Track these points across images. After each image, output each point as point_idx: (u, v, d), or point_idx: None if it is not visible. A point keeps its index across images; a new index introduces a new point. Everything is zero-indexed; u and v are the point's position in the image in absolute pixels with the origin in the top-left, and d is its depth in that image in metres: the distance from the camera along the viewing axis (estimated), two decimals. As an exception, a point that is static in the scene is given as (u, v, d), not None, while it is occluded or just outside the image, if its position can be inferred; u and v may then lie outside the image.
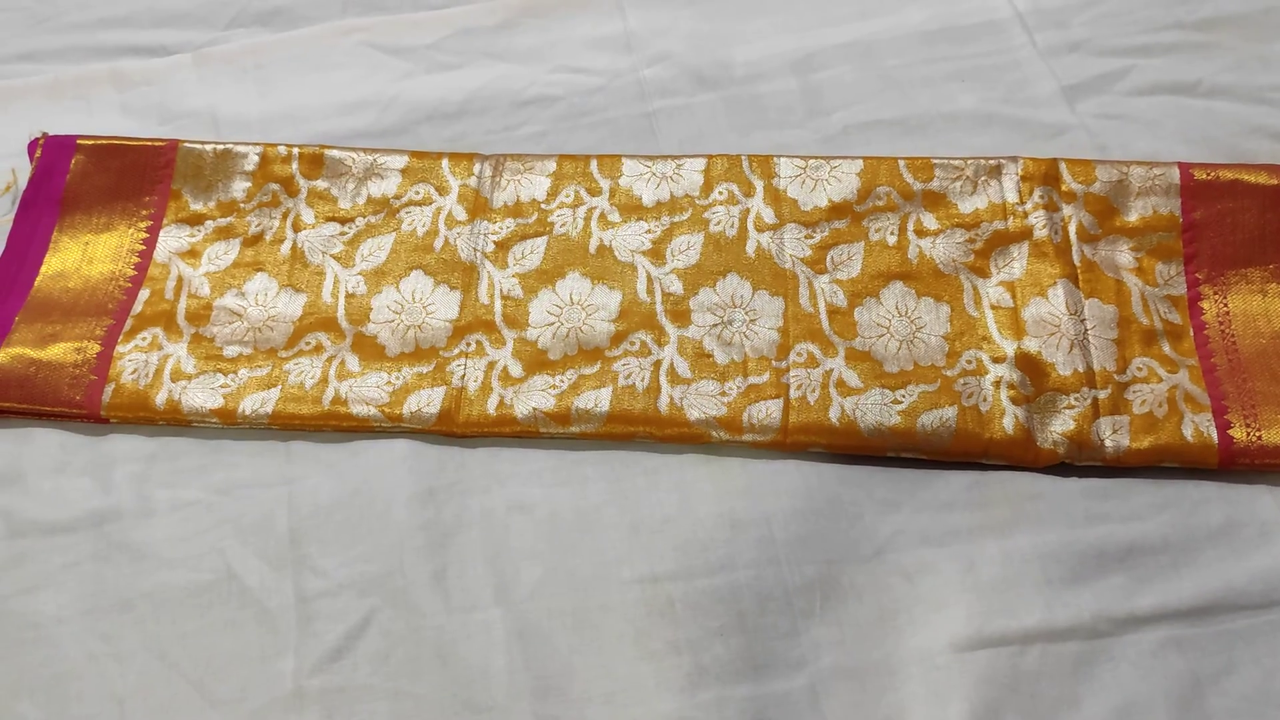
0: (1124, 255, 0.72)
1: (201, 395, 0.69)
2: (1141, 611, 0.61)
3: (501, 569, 0.64)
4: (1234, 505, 0.64)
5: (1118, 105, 0.79)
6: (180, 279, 0.75)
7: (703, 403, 0.68)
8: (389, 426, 0.69)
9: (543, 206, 0.77)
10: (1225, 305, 0.70)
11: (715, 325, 0.71)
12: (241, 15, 0.88)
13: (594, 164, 0.78)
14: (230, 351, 0.72)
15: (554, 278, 0.74)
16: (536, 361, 0.71)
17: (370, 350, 0.72)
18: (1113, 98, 0.79)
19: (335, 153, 0.78)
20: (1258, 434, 0.65)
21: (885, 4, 0.86)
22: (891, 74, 0.82)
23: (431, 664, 0.61)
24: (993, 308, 0.71)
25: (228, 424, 0.69)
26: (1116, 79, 0.80)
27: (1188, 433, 0.65)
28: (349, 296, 0.74)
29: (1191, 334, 0.69)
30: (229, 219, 0.77)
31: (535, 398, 0.69)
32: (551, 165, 0.78)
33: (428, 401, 0.69)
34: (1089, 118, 0.79)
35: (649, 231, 0.75)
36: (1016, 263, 0.72)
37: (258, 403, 0.69)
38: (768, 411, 0.68)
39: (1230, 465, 0.64)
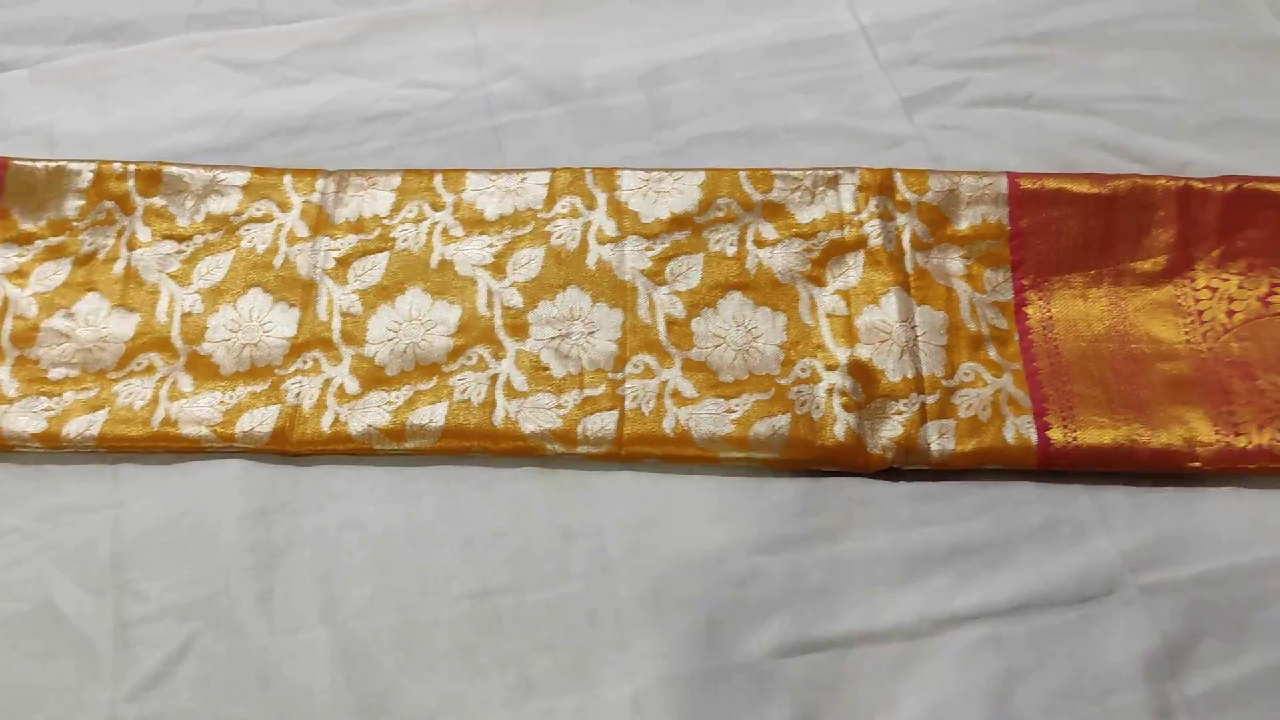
0: (954, 263, 0.75)
1: (23, 419, 0.69)
2: (961, 611, 0.63)
3: (330, 588, 0.64)
4: (1053, 505, 0.67)
5: (954, 117, 0.82)
6: (5, 300, 0.74)
7: (538, 416, 0.69)
8: (221, 446, 0.69)
9: (385, 222, 0.77)
10: (1049, 310, 0.73)
11: (553, 338, 0.73)
12: (82, 30, 0.88)
13: (438, 179, 0.79)
14: (56, 374, 0.71)
15: (394, 294, 0.75)
16: (373, 378, 0.71)
17: (204, 370, 0.72)
18: (950, 109, 0.83)
19: (174, 169, 0.79)
20: (1074, 435, 0.68)
21: (735, 18, 0.88)
22: (739, 86, 0.85)
23: (253, 687, 0.61)
24: (828, 316, 0.73)
25: (51, 448, 0.69)
26: (954, 91, 0.83)
27: (1009, 435, 0.68)
28: (185, 316, 0.74)
29: (1016, 339, 0.72)
30: (60, 238, 0.77)
31: (371, 414, 0.70)
32: (396, 180, 0.79)
33: (261, 420, 0.69)
34: (926, 129, 0.82)
35: (491, 245, 0.76)
36: (852, 271, 0.74)
37: (84, 425, 0.69)
38: (603, 423, 0.69)
39: (1049, 466, 0.67)
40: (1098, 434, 0.68)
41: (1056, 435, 0.68)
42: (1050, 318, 0.73)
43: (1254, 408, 0.68)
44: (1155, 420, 0.68)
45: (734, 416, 0.69)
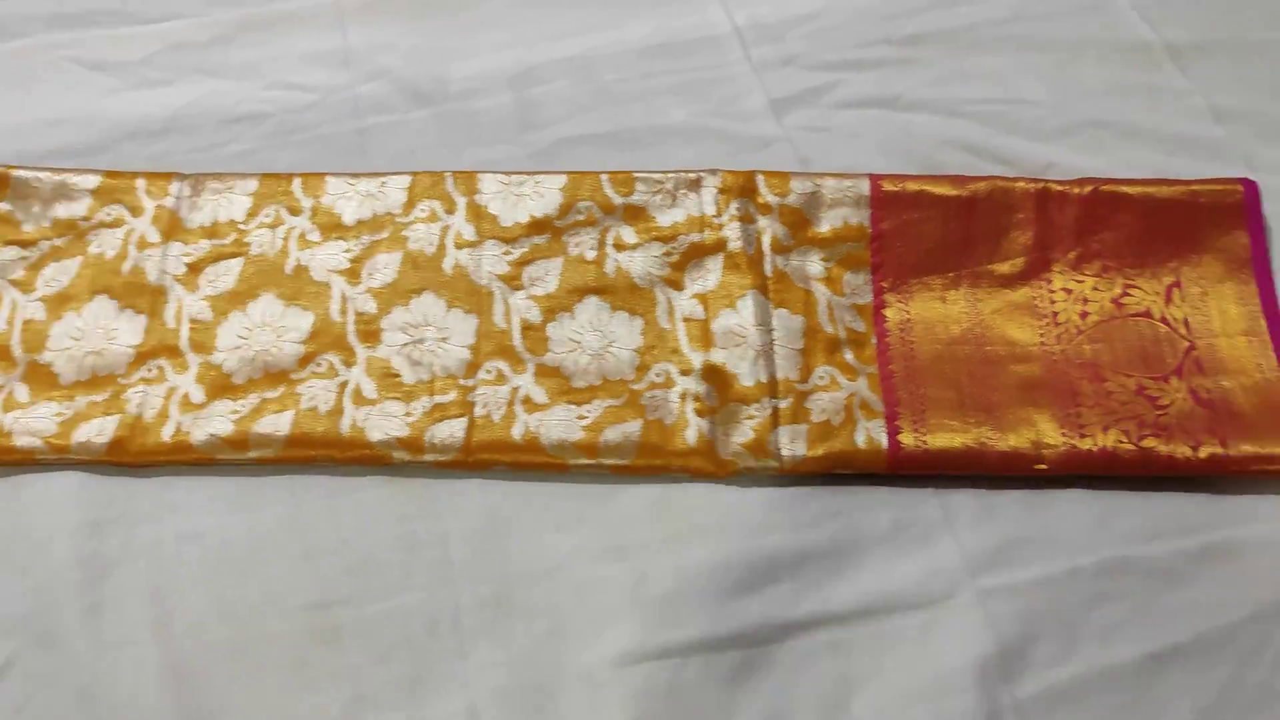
0: (814, 266, 0.75)
1: None
2: (803, 617, 0.63)
3: (164, 602, 0.63)
4: (902, 509, 0.67)
5: (823, 118, 0.82)
6: None
7: (385, 424, 0.69)
8: (55, 459, 0.67)
9: (240, 227, 0.76)
10: (908, 313, 0.73)
11: (406, 344, 0.72)
12: (-63, 31, 0.86)
13: (297, 183, 0.78)
14: (-114, 385, 0.69)
15: (246, 300, 0.74)
16: (220, 386, 0.70)
17: (43, 380, 0.70)
18: (819, 111, 0.83)
19: (21, 173, 0.77)
20: (924, 439, 0.68)
21: (608, 19, 0.88)
22: (609, 88, 0.84)
23: (75, 706, 0.60)
24: (685, 320, 0.73)
25: (-123, 461, 0.67)
26: (824, 93, 0.83)
27: (860, 439, 0.68)
28: (26, 324, 0.72)
29: (874, 341, 0.72)
30: (-99, 244, 0.75)
31: (215, 424, 0.68)
32: (253, 184, 0.78)
33: (99, 431, 0.68)
34: (795, 130, 0.82)
35: (348, 251, 0.75)
36: (710, 275, 0.74)
37: (-86, 438, 0.67)
38: (451, 431, 0.68)
39: (899, 470, 0.67)
40: (948, 437, 0.68)
41: (907, 439, 0.68)
42: (908, 320, 0.73)
43: (1100, 410, 0.68)
44: (1005, 423, 0.68)
45: (585, 423, 0.69)
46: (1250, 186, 0.75)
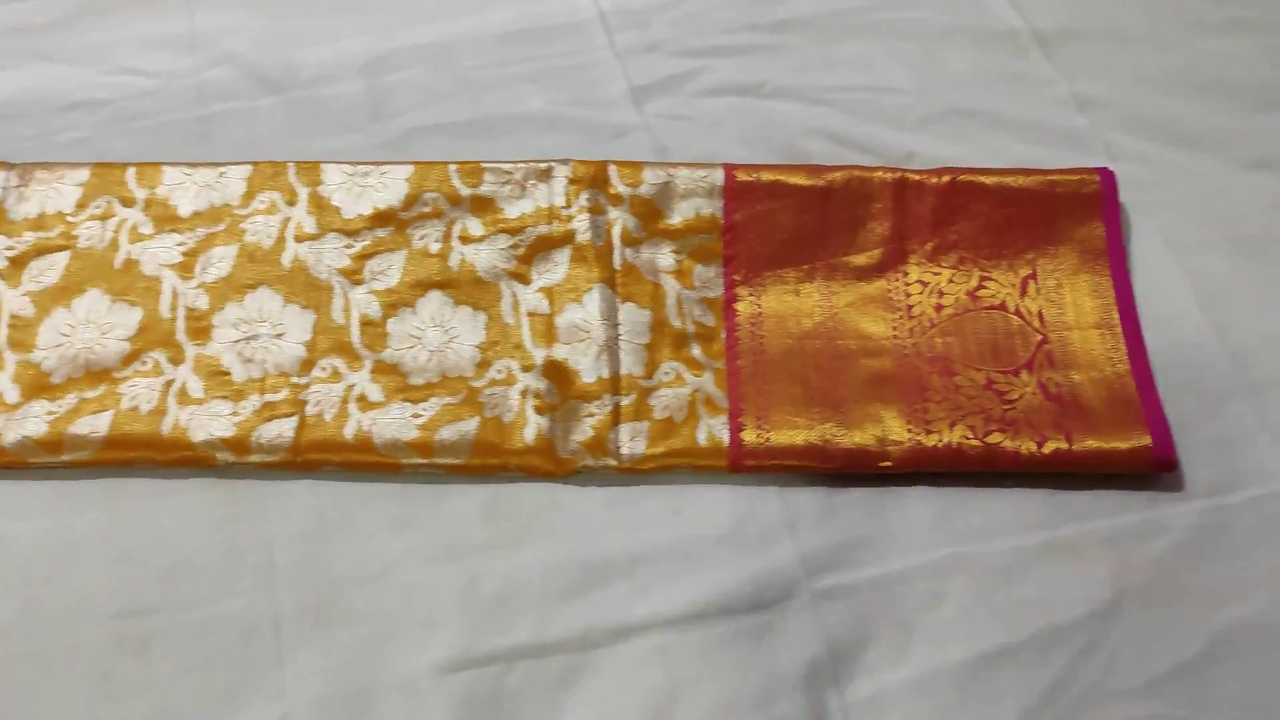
0: (665, 258, 0.73)
1: None
2: (634, 621, 0.61)
3: (-35, 611, 0.61)
4: (743, 508, 0.65)
5: (684, 106, 0.80)
6: None
7: (211, 424, 0.66)
8: None
9: (68, 219, 0.73)
10: (759, 306, 0.72)
11: (238, 341, 0.69)
12: None
13: (131, 173, 0.75)
14: None
15: (71, 295, 0.71)
16: (37, 385, 0.67)
17: None
18: (680, 99, 0.81)
19: None
20: (767, 436, 0.66)
21: (469, 4, 0.86)
22: (465, 76, 0.82)
23: None
24: (529, 315, 0.71)
25: None
26: (686, 80, 0.82)
27: (701, 437, 0.66)
28: None
29: (723, 336, 0.71)
30: None
31: (29, 425, 0.66)
32: (84, 174, 0.75)
33: (-94, 433, 0.65)
34: (654, 119, 0.80)
35: (181, 244, 0.73)
36: (557, 268, 0.72)
37: None
38: (280, 430, 0.66)
39: (741, 468, 0.66)
40: (791, 434, 0.66)
41: (749, 436, 0.66)
42: (760, 314, 0.72)
43: (947, 405, 0.67)
44: (851, 419, 0.67)
45: (420, 421, 0.67)
46: (1108, 176, 0.74)
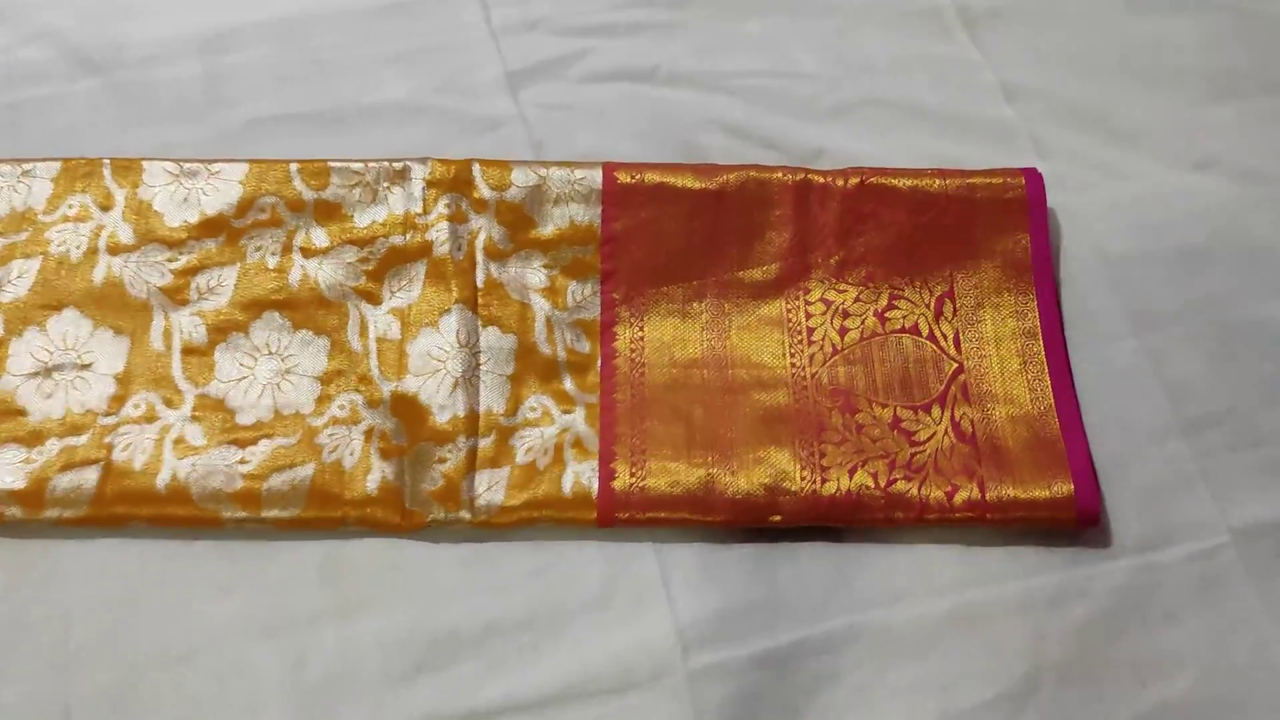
0: (535, 274, 0.64)
1: None
2: (483, 706, 0.54)
3: None
4: (614, 570, 0.58)
5: (566, 94, 0.71)
6: None
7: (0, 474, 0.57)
8: None
9: None
10: (641, 330, 0.63)
11: (36, 374, 0.60)
12: None
13: (-82, 172, 0.65)
14: None
15: None
16: None
17: None
18: (563, 85, 0.72)
19: None
20: (642, 483, 0.58)
21: (327, -28, 0.75)
22: (318, 57, 0.72)
23: None
24: (379, 341, 0.62)
25: None
26: (570, 63, 0.72)
27: (567, 485, 0.58)
28: None
29: (598, 365, 0.62)
30: None
31: None
32: None
33: None
34: (531, 108, 0.70)
35: (-21, 256, 0.63)
36: (412, 286, 0.63)
37: None
38: (80, 480, 0.57)
39: (610, 521, 0.58)
40: (670, 481, 0.58)
41: (622, 484, 0.58)
42: (641, 339, 0.63)
43: (848, 448, 0.60)
44: (739, 464, 0.59)
45: (247, 468, 0.58)
46: (1034, 179, 0.66)
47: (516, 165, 0.66)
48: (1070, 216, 0.67)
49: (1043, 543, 0.58)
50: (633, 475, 0.59)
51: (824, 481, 0.58)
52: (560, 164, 0.66)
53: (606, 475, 0.59)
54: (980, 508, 0.58)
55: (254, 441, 0.59)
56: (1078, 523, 0.57)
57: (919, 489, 0.58)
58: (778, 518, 0.58)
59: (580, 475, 0.59)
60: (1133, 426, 0.61)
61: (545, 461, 0.59)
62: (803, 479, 0.59)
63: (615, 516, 0.58)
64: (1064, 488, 0.58)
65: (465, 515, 0.58)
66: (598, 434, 0.60)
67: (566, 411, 0.61)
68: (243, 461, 0.58)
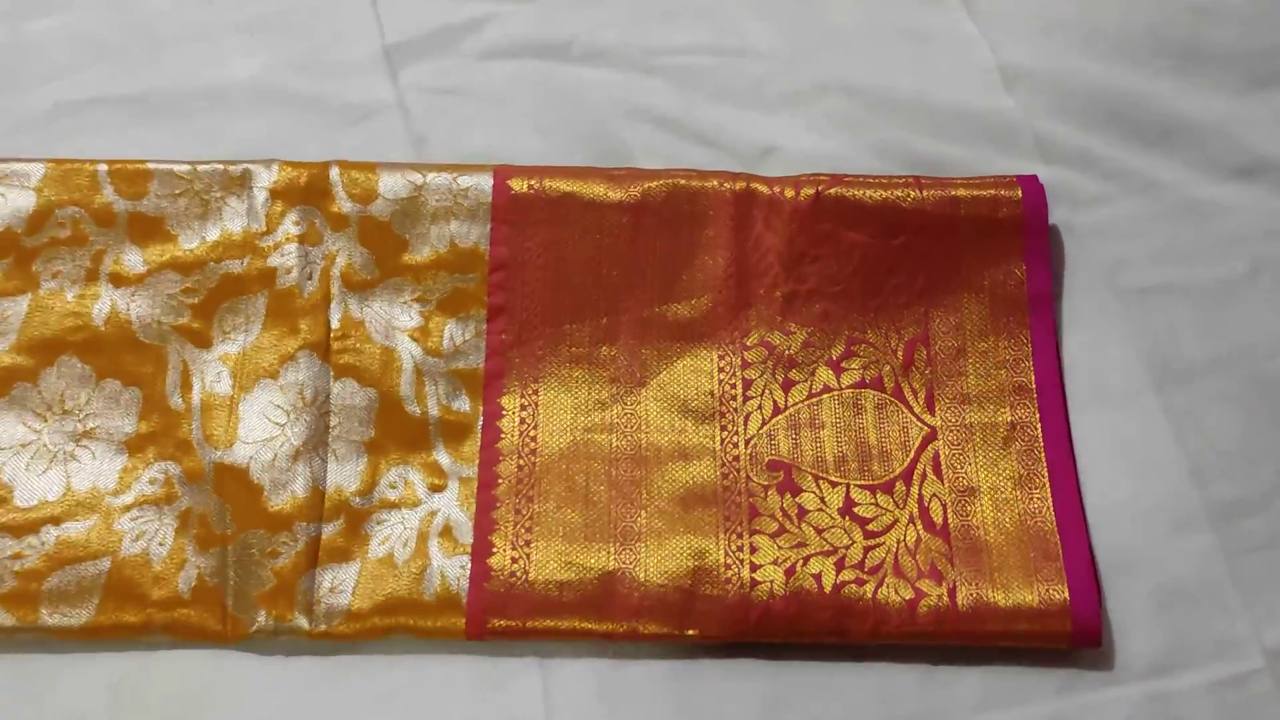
0: (405, 311, 0.52)
1: None
2: None
3: None
4: (488, 690, 0.47)
5: (457, 74, 0.59)
6: None
7: None
8: None
9: None
10: (536, 382, 0.51)
11: None
12: None
13: None
14: None
15: None
16: None
17: None
18: (453, 63, 0.59)
19: None
20: (525, 581, 0.47)
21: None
22: (147, 26, 0.60)
23: None
24: (204, 396, 0.50)
25: None
26: (465, 34, 0.60)
27: (431, 585, 0.47)
28: None
29: (479, 429, 0.50)
30: None
31: None
32: None
33: None
34: (413, 93, 0.58)
35: None
36: (250, 326, 0.51)
37: None
38: None
39: (483, 633, 0.46)
40: (560, 580, 0.47)
41: (498, 583, 0.47)
42: (535, 395, 0.51)
43: (787, 540, 0.48)
44: (649, 558, 0.48)
45: (23, 564, 0.47)
46: (1034, 190, 0.53)
47: (386, 170, 0.53)
48: (1078, 239, 0.55)
49: (1030, 664, 0.47)
50: (514, 572, 0.47)
51: (755, 584, 0.47)
52: (442, 168, 0.53)
53: (480, 573, 0.47)
54: (951, 619, 0.46)
55: (35, 529, 0.47)
56: (1073, 639, 0.46)
57: (875, 594, 0.47)
58: (693, 632, 0.46)
59: (448, 573, 0.47)
60: (1147, 513, 0.49)
61: (405, 555, 0.48)
62: (728, 579, 0.47)
63: (489, 625, 0.46)
64: (1058, 594, 0.46)
65: (302, 623, 0.46)
66: (473, 519, 0.49)
67: (436, 489, 0.49)
68: (17, 557, 0.47)
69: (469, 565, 0.47)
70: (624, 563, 0.47)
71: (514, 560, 0.48)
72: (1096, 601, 0.46)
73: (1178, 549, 0.49)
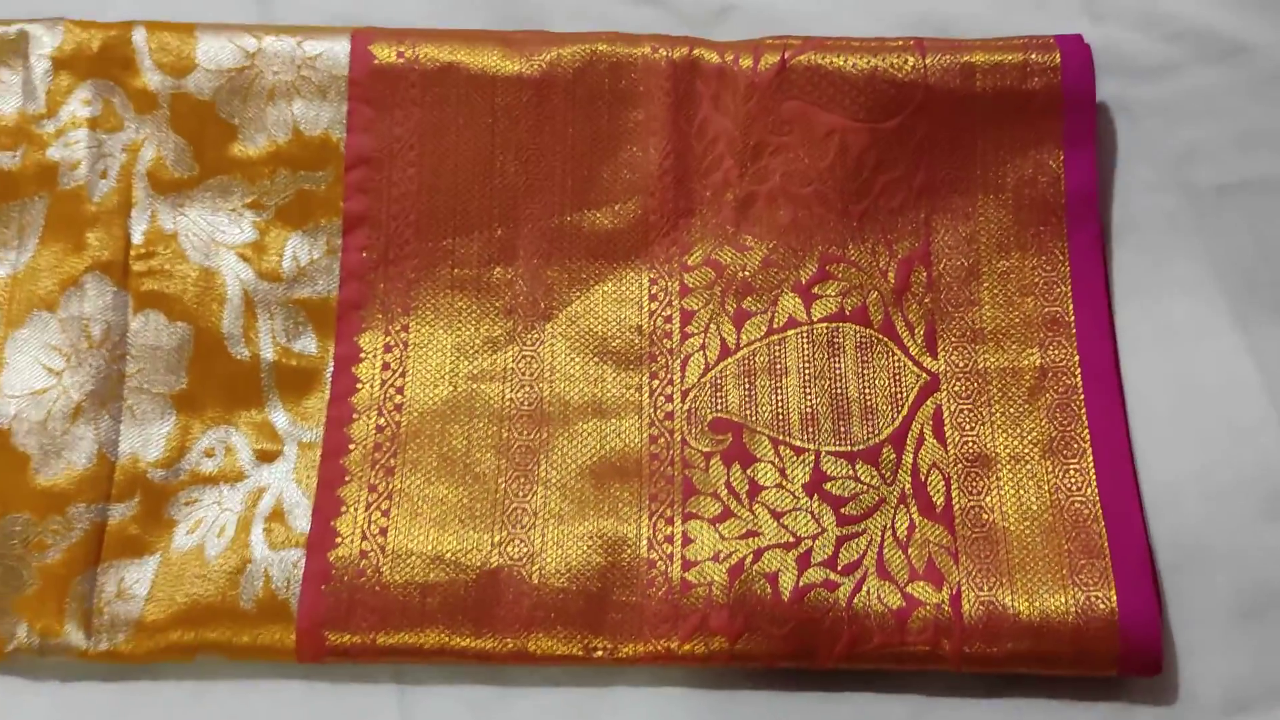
0: (233, 221, 0.40)
1: None
2: None
3: None
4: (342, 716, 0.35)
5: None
6: None
7: None
8: None
9: None
10: (406, 316, 0.40)
11: None
12: None
13: None
14: None
15: None
16: None
17: None
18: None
19: None
20: (377, 581, 0.35)
21: None
22: None
23: None
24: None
25: None
26: None
27: (251, 589, 0.36)
28: None
29: (329, 378, 0.38)
30: None
31: None
32: None
33: None
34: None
35: None
36: (24, 240, 0.39)
37: None
38: None
39: (322, 651, 0.35)
40: (424, 580, 0.35)
41: (342, 585, 0.35)
42: (405, 332, 0.39)
43: (734, 527, 0.36)
44: (548, 547, 0.36)
45: None
46: (1076, 54, 0.40)
47: (207, 32, 0.41)
48: (1135, 120, 0.42)
49: (1063, 696, 0.35)
50: (363, 570, 0.36)
51: (688, 586, 0.35)
52: (283, 29, 0.41)
53: (318, 572, 0.36)
54: (955, 636, 0.34)
55: None
56: (1124, 664, 0.34)
57: (851, 601, 0.35)
58: (602, 651, 0.35)
59: (274, 572, 0.36)
60: (1224, 491, 0.37)
61: (220, 547, 0.36)
62: (652, 580, 0.35)
63: (327, 642, 0.35)
64: (1103, 602, 0.34)
65: (78, 639, 0.35)
66: (312, 499, 0.37)
67: (266, 458, 0.38)
68: None
69: (303, 561, 0.36)
70: (512, 558, 0.36)
71: (364, 554, 0.36)
72: (1156, 612, 0.34)
73: (1266, 541, 0.36)
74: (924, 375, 0.38)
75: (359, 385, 0.38)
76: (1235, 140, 0.41)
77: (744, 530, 0.36)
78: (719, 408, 0.38)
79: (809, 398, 0.38)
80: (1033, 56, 0.39)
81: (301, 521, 0.36)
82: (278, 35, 0.40)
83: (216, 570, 0.36)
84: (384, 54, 0.40)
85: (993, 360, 0.38)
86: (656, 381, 0.38)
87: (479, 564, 0.36)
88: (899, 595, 0.35)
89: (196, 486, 0.37)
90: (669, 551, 0.36)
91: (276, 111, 0.40)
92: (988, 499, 0.36)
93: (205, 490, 0.37)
